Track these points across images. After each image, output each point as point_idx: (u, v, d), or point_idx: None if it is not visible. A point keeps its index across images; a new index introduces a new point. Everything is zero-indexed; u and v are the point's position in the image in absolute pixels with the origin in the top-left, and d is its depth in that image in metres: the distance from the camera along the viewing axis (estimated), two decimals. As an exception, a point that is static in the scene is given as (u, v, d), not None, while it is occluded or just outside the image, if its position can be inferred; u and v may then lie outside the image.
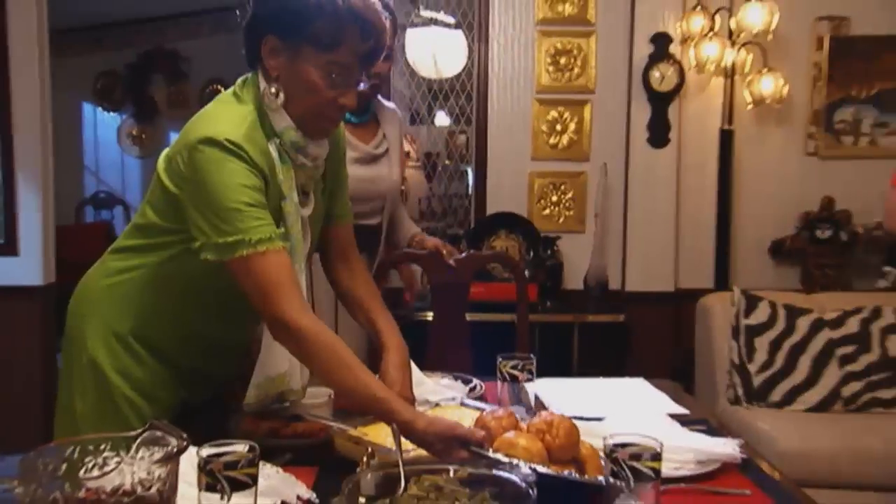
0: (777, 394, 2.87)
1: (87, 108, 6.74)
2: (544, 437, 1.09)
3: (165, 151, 1.42)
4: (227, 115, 1.35)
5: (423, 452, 1.19)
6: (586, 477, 1.07)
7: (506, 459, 1.01)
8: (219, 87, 1.93)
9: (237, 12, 1.49)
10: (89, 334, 1.45)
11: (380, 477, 0.98)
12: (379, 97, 2.16)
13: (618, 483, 0.98)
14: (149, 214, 1.43)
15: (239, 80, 1.43)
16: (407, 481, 0.95)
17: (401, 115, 2.24)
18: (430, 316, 2.47)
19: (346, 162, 1.93)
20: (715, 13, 3.32)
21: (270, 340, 1.39)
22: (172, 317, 1.46)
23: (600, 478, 1.07)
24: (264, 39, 1.35)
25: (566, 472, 1.02)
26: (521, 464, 1.00)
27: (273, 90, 1.35)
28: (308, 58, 1.33)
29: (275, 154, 1.35)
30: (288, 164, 1.38)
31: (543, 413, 1.15)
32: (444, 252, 2.16)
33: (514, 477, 0.96)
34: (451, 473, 1.00)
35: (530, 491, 0.92)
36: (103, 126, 6.80)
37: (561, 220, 3.55)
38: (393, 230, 2.30)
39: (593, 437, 1.26)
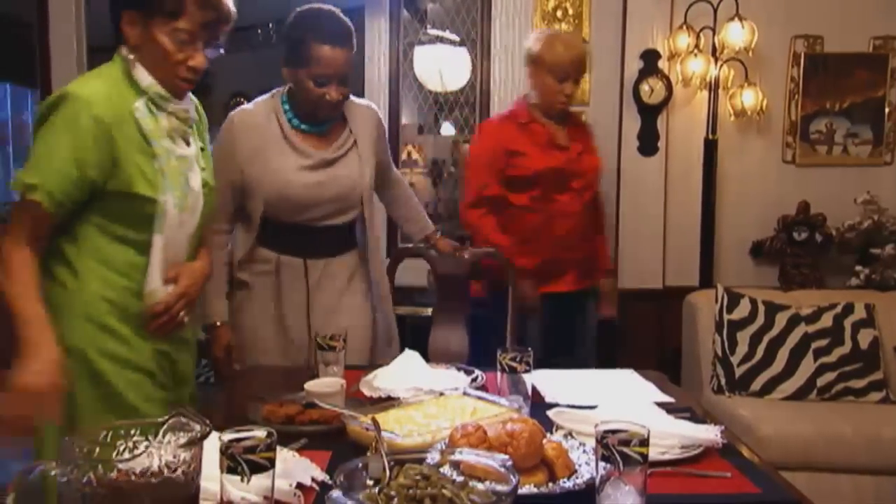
0: (757, 384, 2.85)
1: (122, 119, 6.75)
2: (507, 450, 1.07)
3: None
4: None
5: (419, 441, 1.19)
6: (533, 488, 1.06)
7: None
8: (242, 99, 1.90)
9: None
10: (66, 328, 1.47)
11: (371, 467, 0.96)
12: (352, 97, 2.06)
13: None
14: None
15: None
16: (392, 471, 0.94)
17: (377, 110, 2.13)
18: (428, 311, 2.47)
19: (292, 168, 1.96)
20: (700, 32, 3.31)
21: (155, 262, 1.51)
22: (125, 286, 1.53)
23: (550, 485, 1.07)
24: (124, 14, 1.50)
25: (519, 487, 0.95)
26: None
27: (131, 56, 1.51)
28: (158, 26, 1.48)
29: (142, 108, 1.49)
30: (155, 115, 1.51)
31: (509, 424, 1.13)
32: (458, 253, 2.19)
33: (494, 463, 0.95)
34: (430, 461, 0.98)
35: (512, 477, 0.91)
36: (136, 136, 6.81)
37: (557, 222, 3.53)
38: (407, 223, 2.29)
39: (586, 424, 1.26)
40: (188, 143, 1.60)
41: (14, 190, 1.45)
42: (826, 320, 2.92)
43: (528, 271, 2.51)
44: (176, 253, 1.57)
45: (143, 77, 1.51)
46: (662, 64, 3.37)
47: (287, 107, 1.99)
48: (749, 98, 3.30)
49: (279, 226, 2.00)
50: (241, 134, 1.95)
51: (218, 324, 1.98)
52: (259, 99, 2.03)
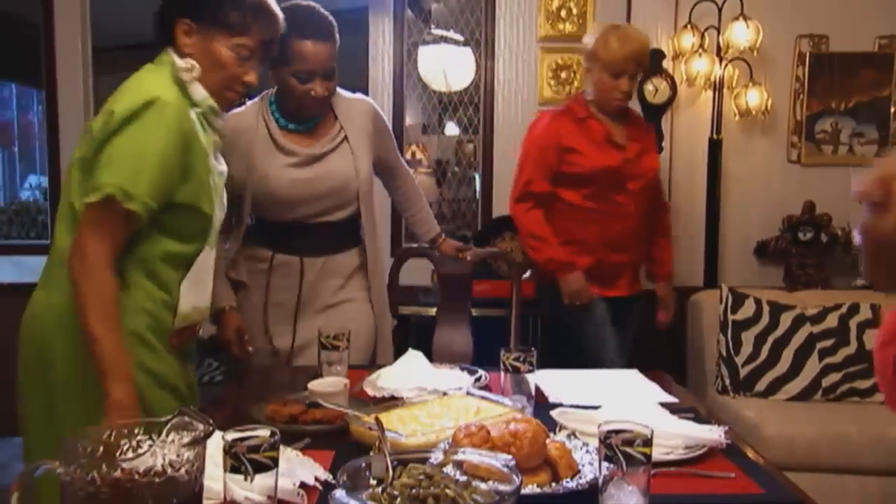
0: (762, 384, 2.85)
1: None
2: (510, 450, 1.06)
3: None
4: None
5: (422, 441, 1.19)
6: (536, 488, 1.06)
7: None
8: (245, 99, 1.89)
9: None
10: None
11: (375, 466, 0.96)
12: (342, 92, 2.03)
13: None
14: None
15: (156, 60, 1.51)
16: (395, 470, 0.93)
17: (372, 104, 2.08)
18: (433, 311, 2.46)
19: (277, 167, 1.96)
20: (704, 31, 3.31)
21: (199, 276, 1.50)
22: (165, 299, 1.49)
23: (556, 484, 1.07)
24: (179, 21, 1.46)
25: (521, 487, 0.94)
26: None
27: (188, 65, 1.46)
28: (219, 39, 1.47)
29: (195, 120, 1.45)
30: (208, 131, 1.50)
31: (512, 424, 1.12)
32: (461, 255, 2.21)
33: (497, 463, 0.95)
34: (434, 461, 0.98)
35: (515, 476, 0.91)
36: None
37: (561, 222, 3.52)
38: (413, 224, 2.29)
39: (590, 424, 1.26)
40: (216, 159, 1.58)
41: (108, 195, 1.33)
42: (831, 321, 2.91)
43: (577, 266, 2.48)
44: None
45: (198, 90, 1.46)
46: (667, 63, 3.37)
47: (274, 107, 1.98)
48: (754, 98, 3.30)
49: (273, 224, 1.99)
50: (229, 138, 1.91)
51: (226, 308, 1.96)
52: (249, 102, 2.02)
